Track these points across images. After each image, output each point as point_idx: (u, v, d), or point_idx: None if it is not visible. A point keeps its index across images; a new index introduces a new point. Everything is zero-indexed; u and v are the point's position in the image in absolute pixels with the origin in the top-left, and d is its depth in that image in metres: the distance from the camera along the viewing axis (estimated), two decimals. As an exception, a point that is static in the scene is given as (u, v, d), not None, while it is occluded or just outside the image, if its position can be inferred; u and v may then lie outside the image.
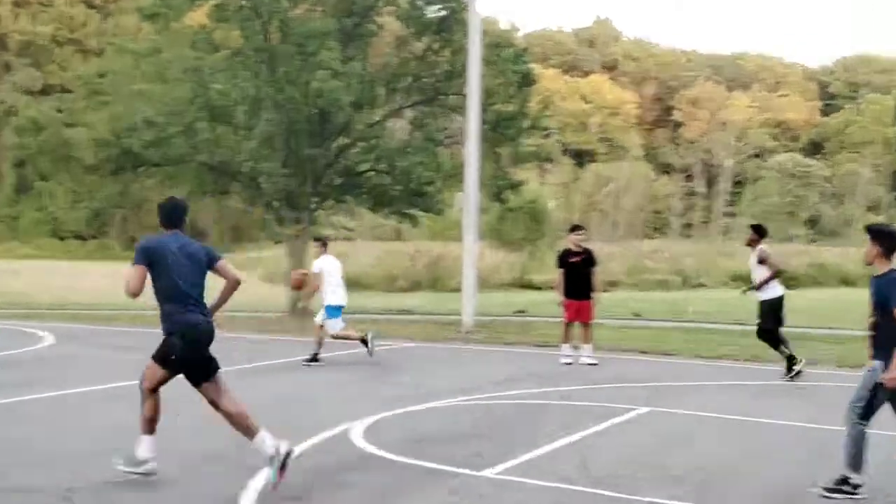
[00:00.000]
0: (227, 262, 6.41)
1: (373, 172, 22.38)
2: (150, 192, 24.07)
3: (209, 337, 6.15)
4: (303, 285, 13.49)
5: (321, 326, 12.89)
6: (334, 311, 12.84)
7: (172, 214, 6.36)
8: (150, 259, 6.04)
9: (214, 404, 6.18)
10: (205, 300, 6.17)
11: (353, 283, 37.52)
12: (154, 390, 6.14)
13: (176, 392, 6.46)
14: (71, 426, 7.98)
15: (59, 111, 29.59)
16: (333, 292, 12.77)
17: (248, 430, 6.15)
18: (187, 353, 6.03)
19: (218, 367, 6.24)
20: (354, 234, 50.17)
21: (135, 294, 5.88)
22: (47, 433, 7.65)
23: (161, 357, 6.08)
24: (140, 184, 23.62)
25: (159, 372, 6.10)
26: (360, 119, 21.66)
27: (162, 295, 6.07)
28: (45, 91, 76.98)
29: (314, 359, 12.78)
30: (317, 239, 13.47)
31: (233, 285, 6.42)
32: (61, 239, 71.79)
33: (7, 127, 67.71)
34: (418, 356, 14.46)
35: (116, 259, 62.13)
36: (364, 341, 12.95)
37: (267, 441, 6.07)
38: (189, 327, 6.02)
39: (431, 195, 22.29)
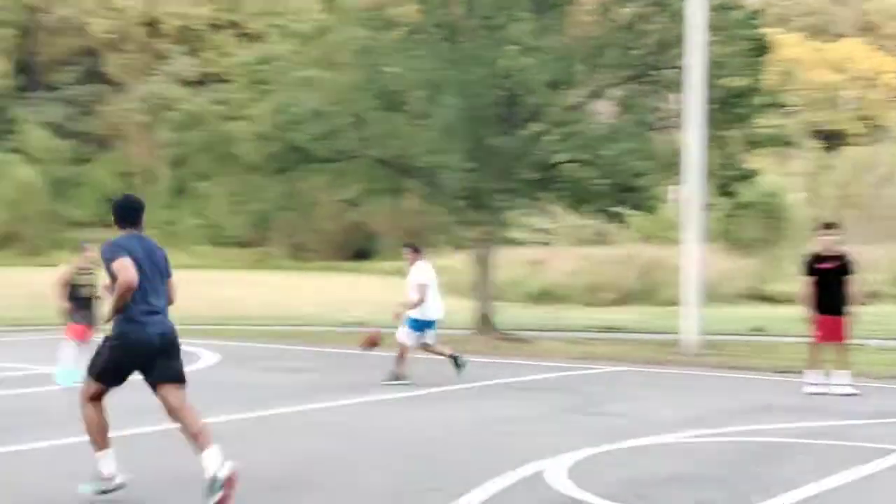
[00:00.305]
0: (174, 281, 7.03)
1: (572, 164, 22.37)
2: (319, 192, 25.10)
3: (170, 343, 6.87)
4: (377, 343, 14.15)
5: (428, 344, 13.78)
6: (424, 325, 13.57)
7: (128, 212, 6.96)
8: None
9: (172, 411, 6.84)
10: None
11: (547, 296, 37.66)
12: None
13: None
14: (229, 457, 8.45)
15: (219, 103, 31.39)
16: (427, 305, 13.44)
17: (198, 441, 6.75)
18: (134, 361, 6.77)
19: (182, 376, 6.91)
20: (551, 238, 50.25)
21: (133, 285, 6.45)
22: (189, 468, 8.13)
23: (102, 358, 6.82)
24: (307, 183, 24.65)
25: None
26: (556, 101, 21.69)
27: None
28: (203, 81, 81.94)
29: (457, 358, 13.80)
30: (408, 245, 14.03)
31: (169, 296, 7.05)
32: (222, 246, 76.14)
33: (162, 122, 72.74)
34: (629, 382, 14.34)
35: (281, 269, 65.26)
36: (398, 378, 13.51)
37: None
38: (147, 337, 6.71)
39: (643, 189, 22.02)
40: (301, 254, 76.81)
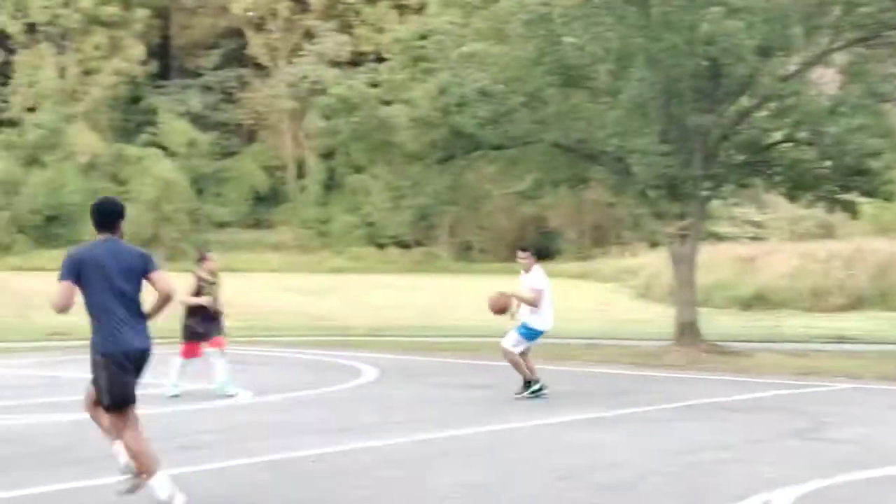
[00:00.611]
0: (163, 273, 7.46)
1: (789, 144, 21.84)
2: (489, 184, 25.27)
3: (142, 360, 7.39)
4: (507, 309, 14.33)
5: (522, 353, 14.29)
6: (536, 335, 14.23)
7: (106, 216, 7.56)
8: (79, 271, 7.20)
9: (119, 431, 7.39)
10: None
11: (760, 301, 36.85)
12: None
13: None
14: (402, 489, 8.64)
15: (374, 85, 31.91)
16: (540, 313, 14.08)
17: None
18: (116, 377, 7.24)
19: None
20: (764, 232, 49.13)
21: (62, 310, 7.15)
22: (364, 496, 8.33)
23: (95, 380, 7.37)
24: (475, 174, 24.87)
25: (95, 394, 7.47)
26: (768, 70, 21.20)
27: (93, 310, 7.24)
28: (356, 61, 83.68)
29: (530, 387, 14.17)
30: (524, 249, 14.76)
31: (163, 299, 7.39)
32: (380, 247, 77.53)
33: (312, 108, 74.62)
34: (862, 402, 13.94)
35: (447, 271, 66.00)
36: (528, 384, 14.16)
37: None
38: (119, 349, 7.22)
39: (876, 173, 21.30)
40: (468, 254, 77.51)
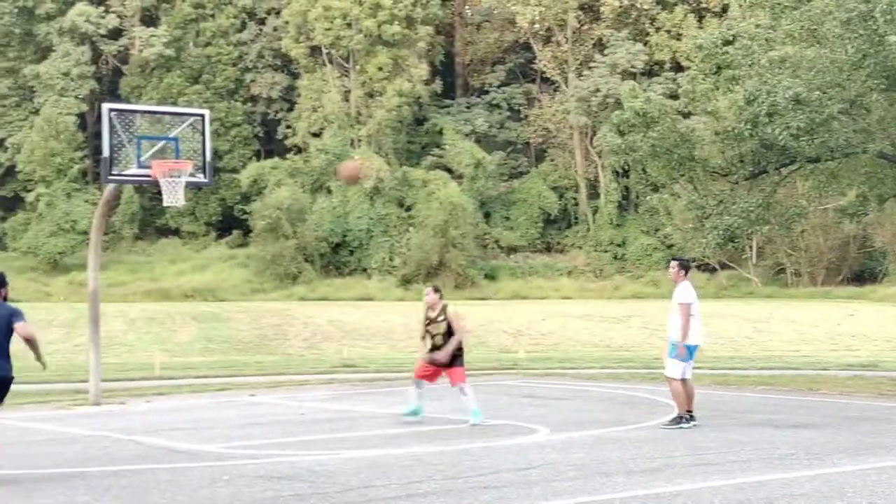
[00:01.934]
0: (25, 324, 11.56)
1: None
2: (805, 200, 24.63)
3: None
4: (358, 177, 15.68)
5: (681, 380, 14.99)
6: (690, 351, 14.97)
7: None
8: None
9: None
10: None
11: None
12: None
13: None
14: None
15: (673, 97, 31.83)
16: (692, 329, 14.87)
17: None
18: None
19: None
20: None
21: None
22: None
23: None
24: (788, 189, 24.29)
25: None
26: None
27: None
28: (651, 71, 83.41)
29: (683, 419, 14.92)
30: (678, 259, 15.86)
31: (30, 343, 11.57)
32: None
33: (605, 123, 74.58)
34: None
35: (757, 297, 64.54)
36: (690, 416, 14.96)
37: None
38: None
39: None
40: (780, 278, 75.52)
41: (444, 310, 16.01)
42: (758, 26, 24.51)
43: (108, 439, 14.34)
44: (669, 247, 76.05)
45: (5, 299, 11.93)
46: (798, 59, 22.40)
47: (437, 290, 16.43)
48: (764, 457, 12.39)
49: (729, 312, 49.86)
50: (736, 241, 28.06)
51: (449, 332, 15.82)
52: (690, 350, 15.03)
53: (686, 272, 15.28)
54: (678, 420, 15.03)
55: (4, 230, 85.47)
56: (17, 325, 11.48)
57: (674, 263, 15.55)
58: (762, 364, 28.25)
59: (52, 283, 75.13)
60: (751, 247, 70.28)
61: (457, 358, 15.85)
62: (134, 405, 18.79)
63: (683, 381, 15.07)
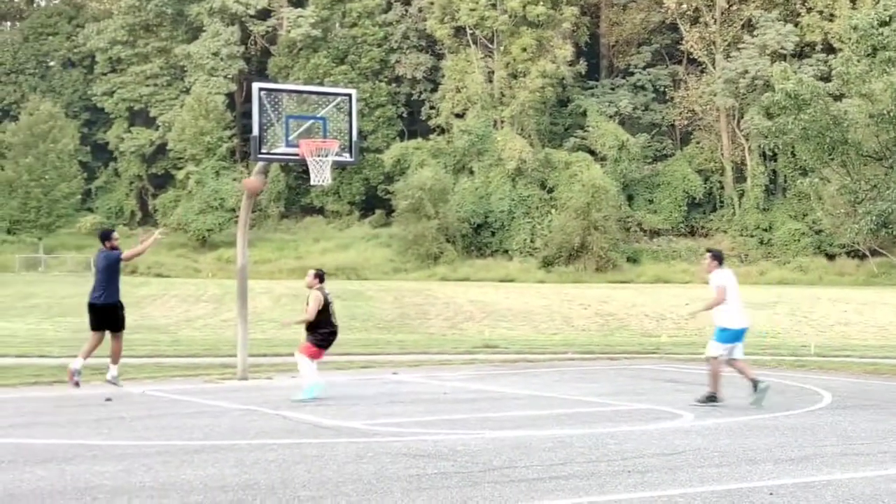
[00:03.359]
0: None
1: None
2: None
3: None
4: (259, 190, 18.76)
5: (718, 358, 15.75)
6: (733, 335, 15.73)
7: None
8: None
9: None
10: None
11: None
12: None
13: None
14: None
15: (825, 79, 31.15)
16: (727, 311, 15.68)
17: None
18: None
19: None
20: None
21: None
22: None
23: None
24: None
25: None
26: None
27: None
28: (802, 53, 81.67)
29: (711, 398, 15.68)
30: (712, 252, 16.43)
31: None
32: (830, 257, 74.97)
33: (753, 105, 73.32)
34: None
35: (907, 285, 62.84)
36: (711, 399, 15.65)
37: None
38: None
39: None
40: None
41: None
42: (916, 6, 23.82)
43: (255, 413, 14.60)
44: (818, 232, 74.49)
45: (113, 248, 17.19)
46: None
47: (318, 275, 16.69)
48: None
49: (880, 300, 48.68)
50: (890, 226, 27.40)
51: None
52: (738, 334, 15.84)
53: (720, 262, 16.09)
54: (754, 384, 15.81)
55: (155, 207, 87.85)
56: (124, 255, 16.87)
57: (707, 255, 16.34)
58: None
59: (201, 260, 77.04)
60: (904, 233, 68.40)
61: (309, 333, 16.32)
62: (280, 380, 19.09)
63: (732, 360, 15.97)
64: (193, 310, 44.08)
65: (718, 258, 16.16)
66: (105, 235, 17.56)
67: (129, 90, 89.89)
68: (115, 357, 17.12)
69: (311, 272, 16.69)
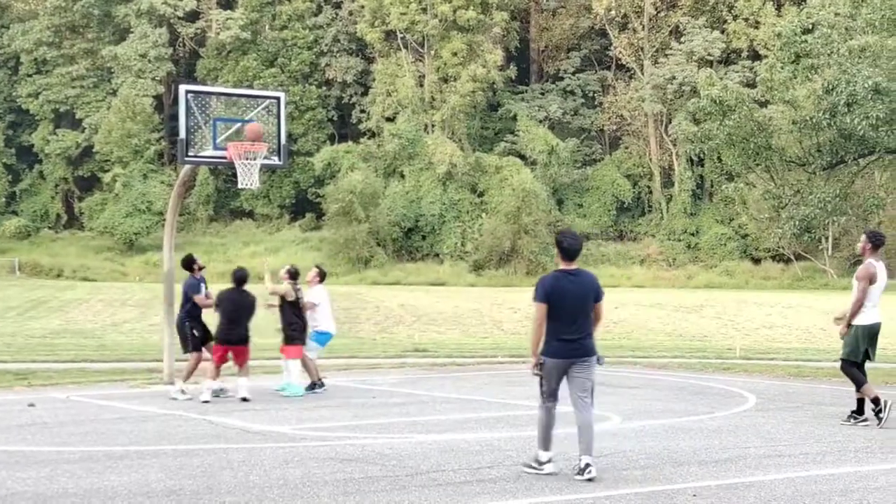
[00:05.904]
0: None
1: None
2: (883, 190, 24.32)
3: None
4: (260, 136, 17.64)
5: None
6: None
7: None
8: None
9: None
10: None
11: None
12: None
13: None
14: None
15: (750, 85, 31.59)
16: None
17: None
18: None
19: None
20: None
21: None
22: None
23: None
24: (866, 180, 24.00)
25: None
26: None
27: None
28: (728, 60, 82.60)
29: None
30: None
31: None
32: (756, 261, 75.93)
33: (681, 111, 74.12)
34: None
35: (832, 289, 63.78)
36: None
37: None
38: None
39: None
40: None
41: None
42: (837, 15, 24.23)
43: (181, 418, 14.51)
44: (744, 237, 75.44)
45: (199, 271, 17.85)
46: (878, 48, 22.14)
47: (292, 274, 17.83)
48: (838, 449, 12.27)
49: (804, 303, 49.34)
50: (812, 231, 27.86)
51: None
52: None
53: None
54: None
55: (81, 210, 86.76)
56: (196, 298, 17.17)
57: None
58: (837, 356, 27.87)
59: (128, 263, 76.16)
60: (827, 238, 69.43)
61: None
62: (207, 384, 18.98)
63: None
64: (120, 314, 43.55)
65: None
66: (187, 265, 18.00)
67: (55, 92, 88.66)
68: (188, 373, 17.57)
69: (285, 267, 17.94)
